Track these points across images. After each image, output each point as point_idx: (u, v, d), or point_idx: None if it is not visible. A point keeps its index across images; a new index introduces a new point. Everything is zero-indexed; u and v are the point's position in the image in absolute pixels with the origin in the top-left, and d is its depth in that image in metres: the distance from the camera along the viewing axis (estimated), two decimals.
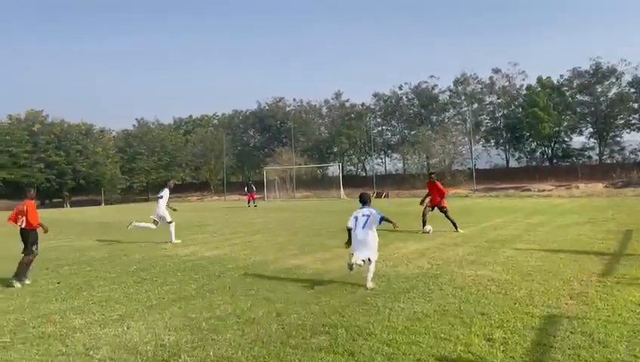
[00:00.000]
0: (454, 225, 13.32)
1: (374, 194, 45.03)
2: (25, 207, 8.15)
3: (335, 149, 67.45)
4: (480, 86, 58.34)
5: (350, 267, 6.77)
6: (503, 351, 4.27)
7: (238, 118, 76.11)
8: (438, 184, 14.17)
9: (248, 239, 13.22)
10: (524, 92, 54.39)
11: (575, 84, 52.11)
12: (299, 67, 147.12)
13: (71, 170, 60.43)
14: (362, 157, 69.19)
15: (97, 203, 59.53)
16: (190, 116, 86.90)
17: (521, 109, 54.53)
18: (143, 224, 13.88)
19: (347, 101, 67.93)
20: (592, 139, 53.42)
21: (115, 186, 64.61)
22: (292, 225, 17.24)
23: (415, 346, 4.43)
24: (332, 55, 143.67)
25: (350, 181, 56.27)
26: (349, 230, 7.41)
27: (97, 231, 17.70)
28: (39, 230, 8.28)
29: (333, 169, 60.41)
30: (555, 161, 55.37)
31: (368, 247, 7.14)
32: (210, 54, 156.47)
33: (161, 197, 13.68)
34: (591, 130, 52.61)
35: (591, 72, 50.53)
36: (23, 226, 8.09)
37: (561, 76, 52.99)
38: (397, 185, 52.81)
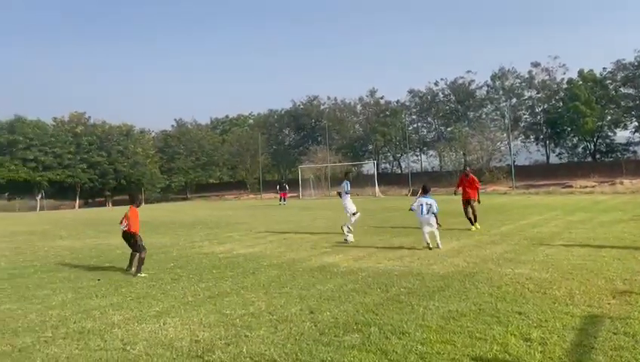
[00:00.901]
0: (473, 219, 13.41)
1: (410, 192, 44.59)
2: (128, 212, 8.92)
3: (370, 147, 67.13)
4: (519, 80, 56.88)
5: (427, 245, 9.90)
6: (541, 351, 4.14)
7: (273, 118, 76.69)
8: (474, 178, 14.06)
9: (283, 237, 13.30)
10: (565, 86, 52.68)
11: (619, 77, 50.11)
12: (333, 65, 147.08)
13: (112, 170, 62.30)
14: (397, 155, 68.61)
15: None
16: (227, 116, 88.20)
17: (561, 104, 52.89)
18: (353, 219, 12.44)
19: (382, 98, 67.51)
20: (637, 134, 51.27)
21: (155, 186, 66.21)
22: (326, 222, 17.26)
23: (450, 345, 4.35)
24: (366, 52, 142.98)
25: (385, 178, 55.92)
26: (412, 210, 10.42)
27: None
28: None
29: (368, 167, 60.09)
30: (598, 156, 53.47)
31: (431, 224, 10.05)
32: (245, 54, 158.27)
33: (348, 192, 12.98)
34: (636, 124, 50.48)
35: (636, 63, 48.49)
36: (125, 229, 8.80)
37: (604, 69, 51.01)
38: (433, 183, 51.72)
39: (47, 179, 57.51)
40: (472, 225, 13.32)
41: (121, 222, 8.97)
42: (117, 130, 65.46)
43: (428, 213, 10.07)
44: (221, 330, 5.07)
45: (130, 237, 8.82)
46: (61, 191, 61.91)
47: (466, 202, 13.76)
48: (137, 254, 8.65)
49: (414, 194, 43.89)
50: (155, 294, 6.88)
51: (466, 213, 13.69)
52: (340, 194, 13.00)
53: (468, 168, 14.49)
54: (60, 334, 5.19)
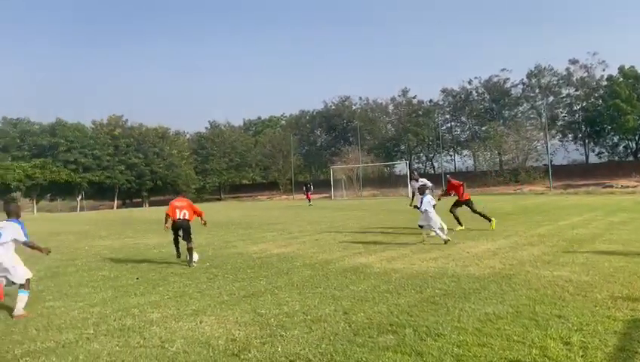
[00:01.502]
0: (458, 221, 13.83)
1: (443, 193, 43.99)
2: (185, 203, 9.95)
3: (402, 147, 66.73)
4: (556, 78, 55.56)
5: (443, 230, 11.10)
6: (582, 355, 4.04)
7: (305, 118, 77.07)
8: (454, 182, 14.68)
9: (315, 237, 13.34)
10: (605, 83, 51.10)
11: None
12: (365, 66, 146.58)
13: (149, 171, 63.84)
14: (430, 155, 67.97)
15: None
16: (259, 117, 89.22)
17: (601, 101, 51.36)
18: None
19: (414, 98, 67.02)
20: None
21: (190, 186, 67.45)
22: (358, 223, 17.22)
23: (486, 348, 4.28)
24: (399, 52, 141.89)
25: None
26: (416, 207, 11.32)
27: None
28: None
29: (401, 167, 59.69)
30: None
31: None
32: (277, 56, 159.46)
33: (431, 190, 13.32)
34: None
35: None
36: (184, 218, 9.69)
37: None
38: (467, 183, 51.10)
39: (87, 180, 59.37)
40: (460, 225, 13.77)
41: (175, 213, 9.65)
42: (153, 133, 67.08)
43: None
44: (256, 329, 5.13)
45: (188, 227, 9.67)
46: (100, 192, 63.84)
47: (461, 204, 14.24)
48: (191, 243, 9.52)
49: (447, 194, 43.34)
50: (192, 293, 7.01)
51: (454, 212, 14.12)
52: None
53: (449, 175, 15.41)
54: (101, 331, 5.35)
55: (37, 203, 59.53)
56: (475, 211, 13.97)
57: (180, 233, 9.79)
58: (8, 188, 56.77)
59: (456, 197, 14.31)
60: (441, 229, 11.17)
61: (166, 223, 9.76)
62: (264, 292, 6.84)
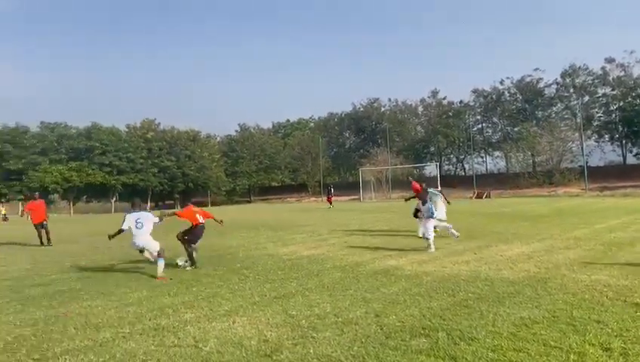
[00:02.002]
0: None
1: (474, 195, 43.39)
2: (199, 208, 10.73)
3: (432, 149, 66.08)
4: (591, 77, 54.08)
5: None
6: None
7: (334, 121, 77.14)
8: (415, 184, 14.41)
9: (345, 239, 13.32)
10: None
11: None
12: (393, 67, 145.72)
13: (181, 173, 64.98)
14: (461, 156, 67.10)
15: (204, 204, 63.21)
16: (288, 120, 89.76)
17: (639, 101, 49.69)
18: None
19: (444, 99, 66.31)
20: None
21: (220, 188, 68.29)
22: (388, 225, 17.12)
23: (522, 353, 4.20)
24: (428, 52, 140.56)
25: (448, 181, 54.71)
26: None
27: (206, 231, 18.74)
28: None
29: (431, 169, 59.14)
30: None
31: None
32: (305, 58, 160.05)
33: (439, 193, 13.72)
34: None
35: None
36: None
37: None
38: (499, 185, 50.52)
39: (121, 182, 60.80)
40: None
41: (196, 217, 10.11)
42: (185, 136, 68.25)
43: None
44: (288, 331, 5.16)
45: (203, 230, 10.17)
46: (134, 194, 65.17)
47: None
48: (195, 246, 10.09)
49: (479, 196, 42.75)
50: (224, 294, 7.10)
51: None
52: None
53: (410, 178, 15.89)
54: (136, 330, 5.46)
55: (73, 204, 61.26)
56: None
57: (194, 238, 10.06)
58: (46, 191, 58.64)
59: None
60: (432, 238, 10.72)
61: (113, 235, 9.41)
62: (295, 294, 6.87)
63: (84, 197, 65.13)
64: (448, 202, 14.37)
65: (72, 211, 59.32)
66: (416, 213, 13.14)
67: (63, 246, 15.07)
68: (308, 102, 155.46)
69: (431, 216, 10.81)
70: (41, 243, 15.38)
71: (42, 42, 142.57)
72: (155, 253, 9.02)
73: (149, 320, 5.85)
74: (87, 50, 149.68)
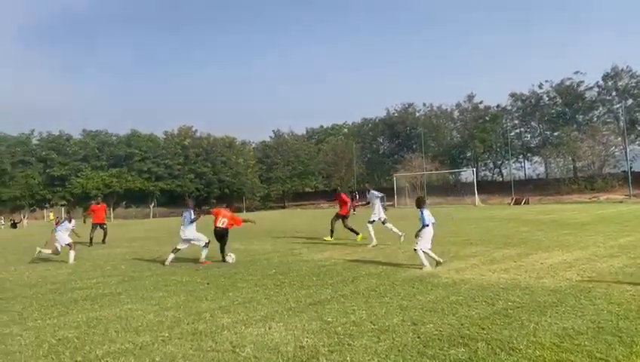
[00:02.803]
0: (354, 231, 14.93)
1: (513, 201, 42.42)
2: (228, 213, 11.80)
3: (468, 154, 65.03)
4: (635, 80, 52.14)
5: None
6: None
7: (368, 126, 76.88)
8: (344, 196, 15.98)
9: (379, 246, 13.22)
10: None
11: None
12: (428, 71, 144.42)
13: (217, 179, 66.03)
14: (498, 162, 65.80)
15: (239, 210, 64.00)
16: (321, 126, 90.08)
17: None
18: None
19: (481, 103, 65.16)
20: None
21: (255, 194, 69.00)
22: None
23: None
24: (463, 56, 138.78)
25: (486, 187, 53.75)
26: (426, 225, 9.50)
27: (241, 236, 18.95)
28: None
29: (467, 174, 58.19)
30: None
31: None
32: (339, 63, 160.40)
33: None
34: None
35: None
36: (225, 226, 11.58)
37: None
38: (538, 191, 49.28)
39: (159, 188, 62.22)
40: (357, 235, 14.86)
41: (217, 220, 11.46)
42: (220, 142, 69.38)
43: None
44: (324, 337, 5.14)
45: (225, 235, 11.47)
46: (171, 200, 66.62)
47: (339, 217, 15.62)
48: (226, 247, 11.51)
49: (517, 203, 41.78)
50: (260, 299, 7.14)
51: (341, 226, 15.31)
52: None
53: (338, 188, 16.86)
54: (175, 334, 5.54)
55: (113, 210, 62.97)
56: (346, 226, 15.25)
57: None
58: (88, 196, 60.48)
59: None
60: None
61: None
62: (330, 300, 6.85)
63: (124, 202, 66.87)
64: (385, 208, 14.67)
65: (112, 216, 60.98)
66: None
67: (104, 250, 15.50)
68: (342, 108, 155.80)
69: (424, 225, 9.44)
70: (91, 242, 16.22)
71: (86, 54, 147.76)
72: (202, 243, 11.40)
73: (187, 324, 5.93)
74: (126, 59, 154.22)
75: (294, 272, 9.45)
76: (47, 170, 57.71)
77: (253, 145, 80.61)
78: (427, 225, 9.42)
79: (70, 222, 13.04)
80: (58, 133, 61.34)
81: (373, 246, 13.04)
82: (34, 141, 60.78)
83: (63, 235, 12.59)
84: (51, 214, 59.04)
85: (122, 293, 8.10)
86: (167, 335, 5.53)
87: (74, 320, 6.43)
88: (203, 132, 71.29)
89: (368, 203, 14.83)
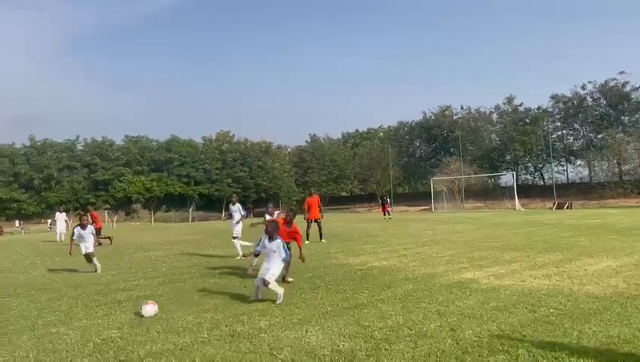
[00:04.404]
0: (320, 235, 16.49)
1: (555, 205, 41.25)
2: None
3: (508, 157, 63.63)
4: None
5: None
6: None
7: (404, 130, 76.29)
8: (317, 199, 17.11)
9: (416, 251, 13.08)
10: None
11: None
12: (466, 73, 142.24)
13: (253, 183, 66.83)
14: (539, 165, 64.09)
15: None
16: (357, 130, 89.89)
17: None
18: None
19: (520, 105, 63.63)
20: None
21: (291, 198, 69.43)
22: (462, 237, 16.63)
23: None
24: (502, 57, 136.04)
25: (526, 191, 52.45)
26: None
27: None
28: None
29: (507, 178, 56.92)
30: None
31: None
32: (373, 67, 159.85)
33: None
34: None
35: None
36: None
37: None
38: (582, 195, 47.73)
39: (198, 192, 63.43)
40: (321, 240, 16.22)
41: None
42: (257, 147, 70.21)
43: None
44: (360, 342, 5.13)
45: None
46: (209, 204, 67.75)
47: (313, 221, 16.67)
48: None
49: (560, 207, 40.57)
50: (296, 302, 7.18)
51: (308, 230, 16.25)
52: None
53: (312, 189, 19.06)
54: (214, 336, 5.64)
55: (154, 213, 64.55)
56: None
57: None
58: (130, 200, 62.30)
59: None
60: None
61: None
62: (367, 305, 6.83)
63: (164, 206, 68.41)
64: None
65: (152, 220, 62.50)
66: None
67: (145, 253, 15.90)
68: (377, 112, 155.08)
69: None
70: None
71: (127, 62, 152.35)
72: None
73: (226, 326, 6.02)
74: (166, 66, 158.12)
75: (330, 276, 9.47)
76: (92, 175, 59.67)
77: (289, 149, 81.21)
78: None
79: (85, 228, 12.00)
80: (101, 139, 63.36)
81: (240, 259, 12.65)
82: (79, 147, 62.93)
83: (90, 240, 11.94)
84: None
85: (163, 295, 8.29)
86: (206, 336, 5.63)
87: (117, 320, 6.63)
88: (240, 137, 72.35)
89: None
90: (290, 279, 8.93)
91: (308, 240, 16.04)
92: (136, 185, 60.40)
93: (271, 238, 7.62)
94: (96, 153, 61.05)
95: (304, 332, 5.60)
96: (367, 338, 5.25)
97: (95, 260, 11.83)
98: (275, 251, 7.48)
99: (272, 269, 7.42)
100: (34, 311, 7.50)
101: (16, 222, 55.78)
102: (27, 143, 59.55)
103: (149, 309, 6.70)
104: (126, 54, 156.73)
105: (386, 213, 34.85)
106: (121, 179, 60.51)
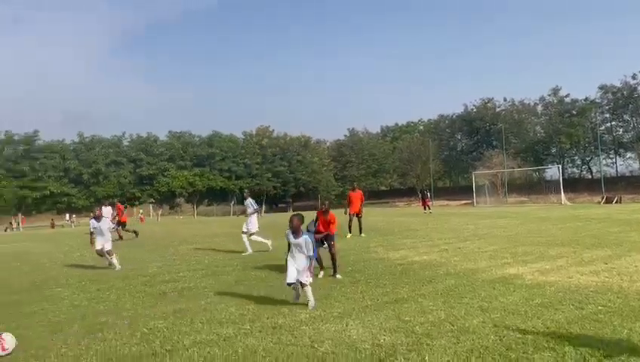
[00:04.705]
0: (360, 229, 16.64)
1: (603, 200, 39.78)
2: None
3: (553, 150, 61.74)
4: None
5: None
6: None
7: (444, 123, 75.12)
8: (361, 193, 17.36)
9: (458, 245, 12.89)
10: None
11: None
12: (509, 64, 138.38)
13: (292, 178, 67.34)
14: (587, 158, 61.87)
15: (314, 208, 64.65)
16: (396, 124, 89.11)
17: None
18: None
19: (567, 96, 61.51)
20: None
21: (330, 192, 69.58)
22: (505, 232, 16.26)
23: None
24: (547, 46, 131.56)
25: (573, 185, 50.78)
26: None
27: None
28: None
29: (552, 171, 55.24)
30: None
31: None
32: (412, 60, 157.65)
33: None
34: None
35: None
36: None
37: None
38: (632, 189, 45.84)
39: (238, 187, 64.36)
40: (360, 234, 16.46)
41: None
42: (296, 141, 70.64)
43: None
44: (401, 336, 5.11)
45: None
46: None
47: (354, 215, 16.76)
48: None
49: (608, 201, 39.05)
50: (336, 296, 7.22)
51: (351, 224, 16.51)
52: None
53: (355, 184, 20.11)
54: (256, 327, 5.74)
55: (196, 207, 65.99)
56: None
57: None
58: (174, 195, 63.84)
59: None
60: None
61: None
62: (407, 299, 6.79)
63: (206, 200, 69.82)
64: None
65: (195, 213, 63.91)
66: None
67: (189, 246, 16.28)
68: (416, 105, 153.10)
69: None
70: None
71: (170, 60, 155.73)
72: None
73: (267, 318, 6.12)
74: (209, 63, 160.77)
75: (370, 270, 9.46)
76: (137, 170, 61.45)
77: (328, 143, 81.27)
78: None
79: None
80: (146, 135, 65.11)
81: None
82: (125, 143, 64.88)
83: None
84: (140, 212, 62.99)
85: (206, 287, 8.50)
86: (248, 328, 5.74)
87: (163, 311, 6.84)
88: (279, 131, 72.95)
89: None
90: (338, 276, 8.85)
91: (351, 232, 16.25)
92: (179, 180, 61.83)
93: (295, 234, 6.97)
94: (141, 149, 62.78)
95: (344, 325, 5.63)
96: (408, 332, 5.23)
97: (113, 258, 11.34)
98: (301, 247, 6.86)
99: (305, 270, 6.72)
100: (84, 301, 7.83)
101: (67, 215, 58.22)
102: (76, 139, 61.82)
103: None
104: (169, 52, 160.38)
105: (427, 207, 34.10)
106: (165, 173, 62.04)
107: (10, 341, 5.34)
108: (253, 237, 13.34)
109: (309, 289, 6.62)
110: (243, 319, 6.15)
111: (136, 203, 63.40)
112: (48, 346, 5.43)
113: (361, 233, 16.54)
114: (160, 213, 61.89)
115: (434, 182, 63.57)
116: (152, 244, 17.51)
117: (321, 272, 9.03)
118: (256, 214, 13.82)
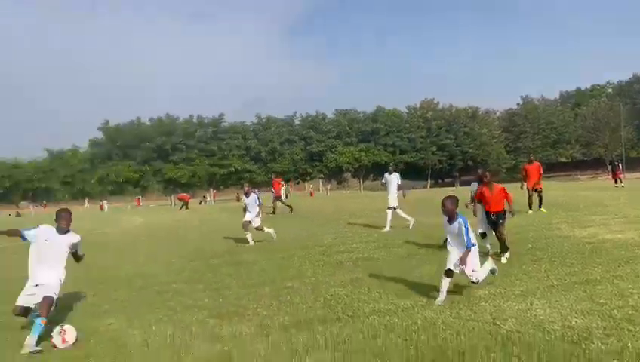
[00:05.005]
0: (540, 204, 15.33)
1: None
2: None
3: None
4: None
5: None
6: None
7: (639, 84, 65.30)
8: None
9: None
10: None
11: None
12: None
13: (459, 151, 65.19)
14: None
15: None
16: (578, 88, 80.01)
17: None
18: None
19: None
20: None
21: (501, 165, 65.88)
22: None
23: None
24: None
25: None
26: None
27: None
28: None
29: None
30: None
31: None
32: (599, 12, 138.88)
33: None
34: None
35: None
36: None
37: None
38: None
39: (403, 161, 64.47)
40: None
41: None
42: (463, 113, 68.09)
43: None
44: (597, 319, 4.67)
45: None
46: (414, 173, 68.39)
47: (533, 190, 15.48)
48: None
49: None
50: (517, 274, 6.85)
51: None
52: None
53: (532, 155, 18.27)
54: (432, 300, 5.69)
55: (362, 182, 67.73)
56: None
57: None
58: (341, 170, 66.43)
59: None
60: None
61: None
62: (601, 281, 6.17)
63: (371, 175, 71.29)
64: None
65: (361, 188, 65.70)
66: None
67: (357, 219, 16.78)
68: (604, 66, 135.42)
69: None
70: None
71: (335, 41, 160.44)
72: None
73: (449, 292, 5.94)
74: (371, 41, 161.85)
75: (553, 248, 8.75)
76: (307, 147, 65.14)
77: (498, 113, 76.47)
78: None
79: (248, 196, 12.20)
80: (315, 114, 68.41)
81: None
82: (296, 122, 69.09)
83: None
84: (309, 187, 66.69)
85: (379, 259, 8.73)
86: (425, 301, 5.76)
87: (341, 279, 7.21)
88: (445, 103, 70.82)
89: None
90: (504, 259, 7.87)
91: (531, 209, 15.06)
92: (346, 156, 64.07)
93: (450, 219, 5.92)
94: (311, 127, 66.30)
95: (529, 304, 5.33)
96: (604, 316, 4.76)
97: (265, 231, 11.93)
98: (457, 235, 5.85)
99: (470, 262, 5.75)
100: (272, 268, 8.61)
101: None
102: (254, 120, 67.64)
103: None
104: (334, 32, 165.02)
105: (618, 180, 30.12)
106: (333, 150, 64.74)
107: (71, 333, 5.09)
108: (398, 211, 13.23)
109: (446, 282, 5.70)
110: (420, 291, 6.17)
111: (308, 178, 67.37)
112: (245, 304, 6.12)
113: (540, 208, 15.32)
114: (329, 187, 64.85)
115: (626, 152, 55.95)
116: (323, 218, 18.45)
117: (503, 256, 7.96)
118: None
